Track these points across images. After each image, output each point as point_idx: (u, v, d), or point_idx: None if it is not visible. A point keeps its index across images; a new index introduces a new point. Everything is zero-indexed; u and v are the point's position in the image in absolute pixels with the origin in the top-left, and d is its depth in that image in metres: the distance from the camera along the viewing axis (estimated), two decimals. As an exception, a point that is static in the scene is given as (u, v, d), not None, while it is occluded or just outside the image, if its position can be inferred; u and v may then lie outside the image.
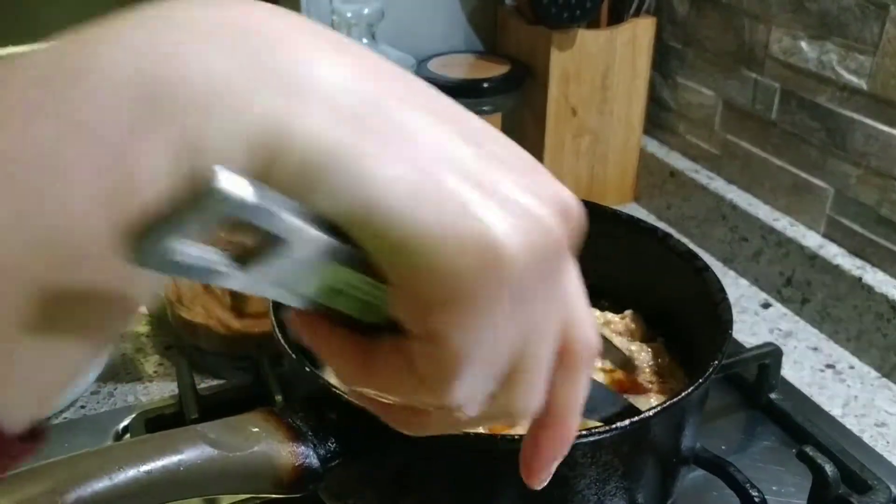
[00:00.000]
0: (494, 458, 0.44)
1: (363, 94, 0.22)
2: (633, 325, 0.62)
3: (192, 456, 0.38)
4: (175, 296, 0.72)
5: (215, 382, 0.70)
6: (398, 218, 0.22)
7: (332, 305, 0.25)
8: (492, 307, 0.23)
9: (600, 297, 0.64)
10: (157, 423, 0.61)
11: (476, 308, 0.23)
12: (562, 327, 0.27)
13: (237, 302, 0.71)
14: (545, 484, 0.31)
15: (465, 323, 0.23)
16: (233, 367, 0.70)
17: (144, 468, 0.37)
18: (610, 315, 0.63)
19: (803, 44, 0.79)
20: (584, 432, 0.42)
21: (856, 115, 0.75)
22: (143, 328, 0.77)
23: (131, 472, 0.36)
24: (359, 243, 0.23)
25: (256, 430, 0.41)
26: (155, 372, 0.72)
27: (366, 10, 0.84)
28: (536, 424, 0.30)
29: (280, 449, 0.41)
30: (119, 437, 0.64)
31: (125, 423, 0.64)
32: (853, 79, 0.75)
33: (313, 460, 0.42)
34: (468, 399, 0.25)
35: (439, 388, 0.25)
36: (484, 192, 0.23)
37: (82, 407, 0.68)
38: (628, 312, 0.63)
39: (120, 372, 0.72)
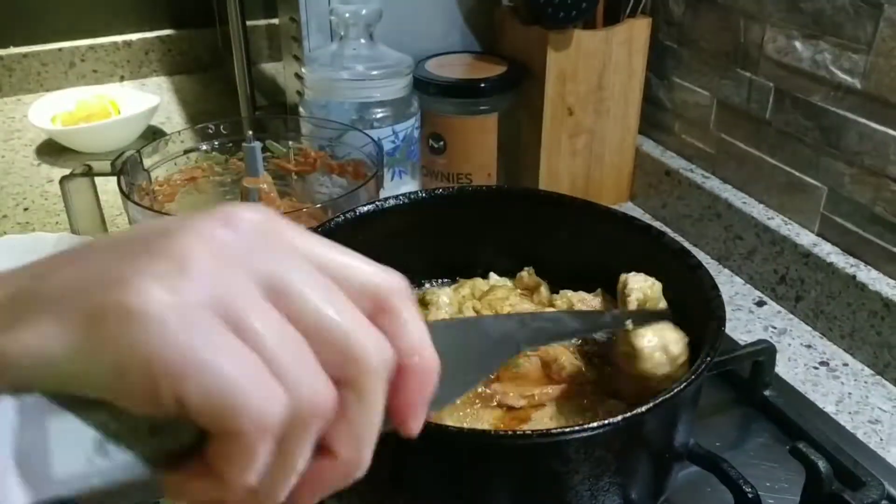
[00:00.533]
0: (488, 455, 0.44)
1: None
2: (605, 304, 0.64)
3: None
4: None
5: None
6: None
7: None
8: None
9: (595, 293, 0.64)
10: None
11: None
12: (346, 290, 0.28)
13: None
14: (419, 430, 0.31)
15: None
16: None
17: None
18: (583, 294, 0.64)
19: (797, 43, 0.80)
20: (576, 427, 0.42)
21: (850, 115, 0.76)
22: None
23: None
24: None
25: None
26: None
27: (364, 11, 0.85)
28: (396, 375, 0.30)
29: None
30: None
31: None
32: (847, 78, 0.75)
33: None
34: (248, 476, 0.27)
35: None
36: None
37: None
38: (599, 291, 0.65)
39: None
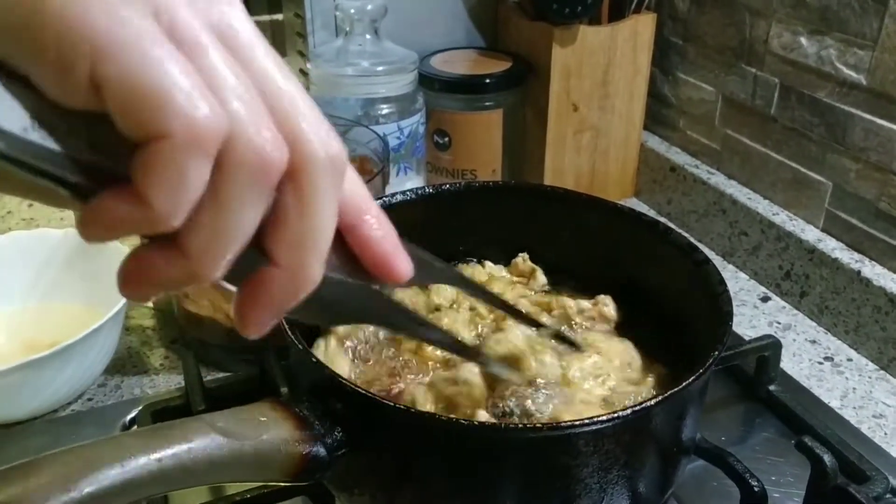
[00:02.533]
0: (496, 448, 0.44)
1: None
2: (608, 312, 0.62)
3: (201, 444, 0.39)
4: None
5: (221, 375, 0.71)
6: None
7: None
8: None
9: (601, 289, 0.64)
10: (164, 415, 0.62)
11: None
12: (277, 127, 0.25)
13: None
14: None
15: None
16: (238, 359, 0.71)
17: (155, 456, 0.37)
18: (584, 303, 0.62)
19: (803, 39, 0.80)
20: (585, 420, 0.42)
21: (855, 110, 0.76)
22: (149, 322, 0.78)
23: (142, 461, 0.37)
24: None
25: (265, 419, 0.42)
26: (161, 365, 0.73)
27: (369, 6, 0.85)
28: (356, 233, 0.29)
29: (288, 438, 0.42)
30: (126, 428, 0.65)
31: (132, 415, 0.65)
32: (852, 74, 0.76)
33: (320, 449, 0.43)
34: (173, 202, 0.23)
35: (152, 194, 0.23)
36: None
37: (90, 399, 0.69)
38: (602, 298, 0.62)
39: (126, 365, 0.73)
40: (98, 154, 0.24)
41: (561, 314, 0.62)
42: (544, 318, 0.60)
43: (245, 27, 0.26)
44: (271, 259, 0.27)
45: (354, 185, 0.30)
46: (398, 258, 0.30)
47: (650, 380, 0.56)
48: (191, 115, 0.22)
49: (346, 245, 0.31)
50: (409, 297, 0.62)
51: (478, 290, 0.53)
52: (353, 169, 0.29)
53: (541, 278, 0.66)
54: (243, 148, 0.24)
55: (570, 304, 0.62)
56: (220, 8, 0.25)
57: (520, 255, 0.66)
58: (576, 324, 0.61)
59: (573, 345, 0.56)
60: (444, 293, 0.63)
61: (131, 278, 0.26)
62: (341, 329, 0.57)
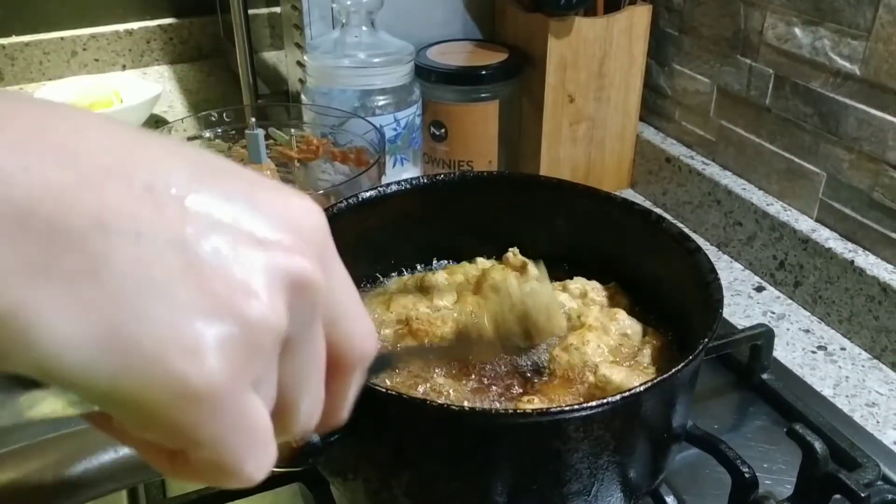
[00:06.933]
0: (489, 433, 0.45)
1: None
2: (616, 298, 0.64)
3: (195, 429, 0.39)
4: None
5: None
6: (83, 379, 0.21)
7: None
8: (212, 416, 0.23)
9: (596, 279, 0.65)
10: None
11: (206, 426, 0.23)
12: (332, 338, 0.27)
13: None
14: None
15: (203, 436, 0.23)
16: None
17: (149, 441, 0.38)
18: (594, 283, 0.64)
19: (797, 30, 0.80)
20: (575, 406, 0.43)
21: (849, 101, 0.76)
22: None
23: (137, 445, 0.37)
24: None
25: (258, 404, 0.42)
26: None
27: (365, -1, 0.85)
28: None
29: (281, 423, 0.42)
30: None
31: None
32: (846, 64, 0.76)
33: (313, 434, 0.43)
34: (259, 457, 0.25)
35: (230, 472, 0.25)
36: (187, 301, 0.22)
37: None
38: (612, 285, 0.65)
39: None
40: None
41: (580, 292, 0.63)
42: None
43: (311, 341, 0.27)
44: None
45: (351, 393, 0.31)
46: (342, 416, 0.32)
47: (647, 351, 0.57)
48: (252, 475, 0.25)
49: None
50: (410, 303, 0.62)
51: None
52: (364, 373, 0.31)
53: (532, 271, 0.66)
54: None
55: (588, 286, 0.64)
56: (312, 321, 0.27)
57: (510, 249, 0.67)
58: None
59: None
60: (447, 297, 0.63)
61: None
62: None
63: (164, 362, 0.21)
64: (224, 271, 0.23)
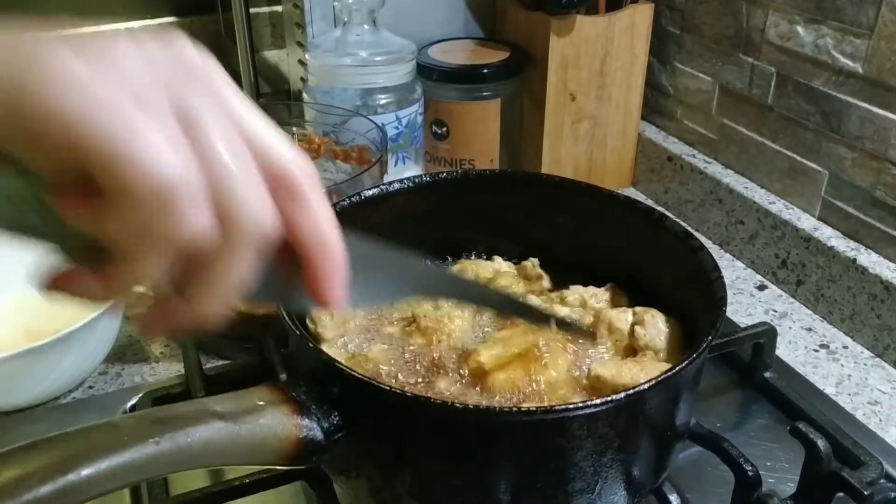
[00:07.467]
0: (491, 431, 0.45)
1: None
2: (616, 298, 0.63)
3: (199, 428, 0.39)
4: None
5: (221, 362, 0.71)
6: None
7: None
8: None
9: (597, 277, 0.64)
10: (164, 402, 0.62)
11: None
12: (257, 155, 0.30)
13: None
14: (336, 303, 0.33)
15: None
16: (238, 347, 0.71)
17: (153, 440, 0.37)
18: (591, 288, 0.64)
19: (800, 28, 0.80)
20: (579, 404, 0.43)
21: (851, 99, 0.76)
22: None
23: (140, 444, 0.37)
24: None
25: (262, 402, 0.42)
26: (161, 353, 0.74)
27: (366, -3, 0.85)
28: (305, 263, 0.32)
29: (285, 421, 0.42)
30: (126, 415, 0.65)
31: (133, 402, 0.66)
32: (849, 62, 0.76)
33: (317, 433, 0.43)
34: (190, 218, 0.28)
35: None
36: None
37: (90, 387, 0.69)
38: (609, 285, 0.64)
39: (127, 353, 0.73)
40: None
41: (579, 301, 0.63)
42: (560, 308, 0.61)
43: (209, 111, 0.29)
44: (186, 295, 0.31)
45: (317, 209, 0.32)
46: (329, 290, 0.33)
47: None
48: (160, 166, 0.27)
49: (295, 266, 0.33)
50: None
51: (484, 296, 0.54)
52: (321, 192, 0.32)
53: (546, 284, 0.66)
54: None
55: (587, 294, 0.63)
56: (198, 93, 0.29)
57: (530, 260, 0.67)
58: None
59: (587, 334, 0.57)
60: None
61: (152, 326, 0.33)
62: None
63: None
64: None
